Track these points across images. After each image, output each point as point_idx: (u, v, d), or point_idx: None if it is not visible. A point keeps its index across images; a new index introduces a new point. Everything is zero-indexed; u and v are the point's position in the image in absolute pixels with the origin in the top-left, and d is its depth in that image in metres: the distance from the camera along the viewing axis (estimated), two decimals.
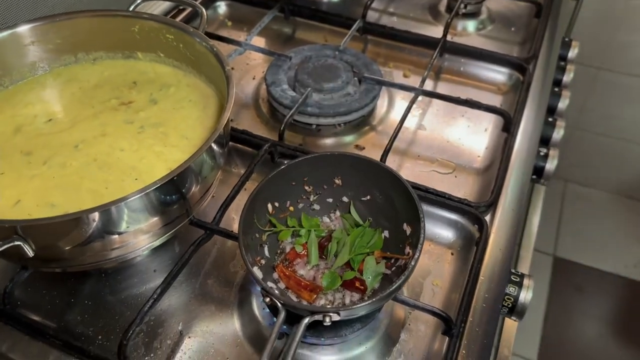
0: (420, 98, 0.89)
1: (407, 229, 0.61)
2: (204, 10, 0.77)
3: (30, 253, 0.51)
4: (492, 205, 0.73)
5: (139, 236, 0.57)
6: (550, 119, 0.96)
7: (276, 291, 0.57)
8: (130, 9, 0.78)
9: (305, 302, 0.58)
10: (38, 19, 0.72)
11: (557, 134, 0.95)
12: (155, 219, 0.57)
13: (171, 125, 0.68)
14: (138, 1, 0.79)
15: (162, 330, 0.62)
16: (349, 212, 0.67)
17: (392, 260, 0.62)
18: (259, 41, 1.06)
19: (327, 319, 0.51)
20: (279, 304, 0.52)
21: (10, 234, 0.49)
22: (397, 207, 0.63)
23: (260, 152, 0.76)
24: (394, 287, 0.53)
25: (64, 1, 0.87)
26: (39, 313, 0.63)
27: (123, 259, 0.60)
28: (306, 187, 0.67)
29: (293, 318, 0.52)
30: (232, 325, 0.62)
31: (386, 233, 0.64)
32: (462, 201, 0.73)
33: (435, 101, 0.91)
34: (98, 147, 0.65)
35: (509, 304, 0.66)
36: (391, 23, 1.08)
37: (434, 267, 0.69)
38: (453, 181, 0.79)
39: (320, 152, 0.69)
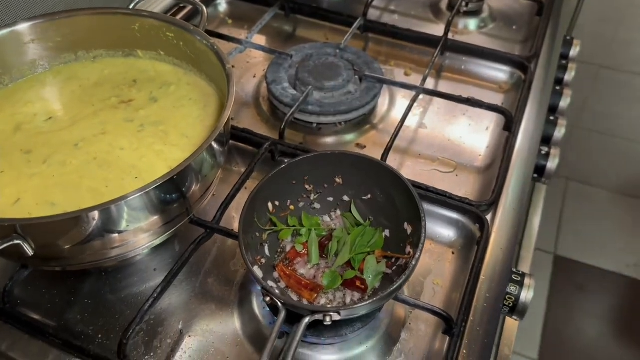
0: (421, 96, 0.89)
1: (408, 228, 0.61)
2: (204, 8, 0.77)
3: (30, 252, 0.51)
4: (493, 204, 0.73)
5: (139, 235, 0.57)
6: (551, 118, 0.96)
7: (276, 290, 0.57)
8: (131, 6, 0.77)
9: (305, 302, 0.58)
10: (38, 16, 0.71)
11: (559, 133, 0.95)
12: (156, 217, 0.57)
13: (171, 123, 0.68)
14: None
15: (162, 329, 0.62)
16: (350, 211, 0.66)
17: (393, 260, 0.62)
18: (260, 39, 1.06)
19: (328, 319, 0.51)
20: (279, 303, 0.52)
21: (9, 232, 0.49)
22: (398, 206, 0.63)
23: (260, 150, 0.76)
24: (394, 287, 0.52)
25: None
26: (38, 312, 0.63)
27: (123, 257, 0.60)
28: (307, 186, 0.67)
29: (293, 317, 0.52)
30: (232, 324, 0.62)
31: (387, 232, 0.64)
32: (463, 200, 0.72)
33: (437, 100, 0.91)
34: (98, 145, 0.65)
35: (510, 304, 0.66)
36: (392, 21, 1.08)
37: (434, 267, 0.68)
38: (454, 180, 0.79)
39: (320, 150, 0.69)
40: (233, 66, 0.97)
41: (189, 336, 0.61)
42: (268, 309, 0.62)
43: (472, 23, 1.10)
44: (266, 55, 1.00)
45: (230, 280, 0.66)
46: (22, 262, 0.62)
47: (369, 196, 0.66)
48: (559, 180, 2.12)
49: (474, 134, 0.86)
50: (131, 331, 0.57)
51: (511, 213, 0.73)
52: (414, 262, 0.54)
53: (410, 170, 0.80)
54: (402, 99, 0.92)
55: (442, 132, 0.87)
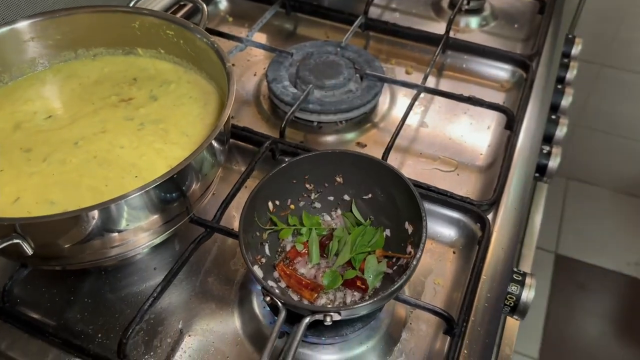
0: (422, 95, 0.89)
1: (409, 228, 0.61)
2: (204, 6, 0.77)
3: (29, 251, 0.51)
4: (494, 203, 0.73)
5: (139, 234, 0.57)
6: (553, 117, 0.95)
7: (277, 290, 0.57)
8: (131, 4, 0.77)
9: (306, 302, 0.57)
10: (38, 14, 0.71)
11: (560, 132, 0.94)
12: (155, 216, 0.57)
13: (171, 122, 0.68)
14: None
15: (162, 328, 0.61)
16: (351, 211, 0.66)
17: (394, 259, 0.61)
18: (260, 37, 1.05)
19: (328, 319, 0.51)
20: (279, 303, 0.52)
21: (9, 231, 0.49)
22: (398, 205, 0.62)
23: (261, 149, 0.76)
24: (395, 287, 0.52)
25: None
26: (38, 311, 0.63)
27: (123, 256, 0.60)
28: (307, 185, 0.66)
29: (294, 317, 0.52)
30: (232, 323, 0.62)
31: (388, 232, 0.63)
32: (464, 199, 0.72)
33: (438, 98, 0.91)
34: (98, 144, 0.65)
35: (511, 303, 0.66)
36: (393, 19, 1.07)
37: (435, 266, 0.68)
38: (455, 179, 0.79)
39: (321, 149, 0.69)
40: (233, 64, 0.97)
41: (189, 335, 0.61)
42: (268, 308, 0.61)
43: (473, 21, 1.10)
44: (267, 53, 0.99)
45: (230, 279, 0.66)
46: (22, 261, 0.61)
47: (370, 195, 0.66)
48: (560, 179, 2.12)
49: (475, 132, 0.86)
50: (131, 330, 0.57)
51: (512, 212, 0.73)
52: (414, 262, 0.54)
53: (411, 169, 0.80)
54: (403, 98, 0.92)
55: (443, 130, 0.86)
